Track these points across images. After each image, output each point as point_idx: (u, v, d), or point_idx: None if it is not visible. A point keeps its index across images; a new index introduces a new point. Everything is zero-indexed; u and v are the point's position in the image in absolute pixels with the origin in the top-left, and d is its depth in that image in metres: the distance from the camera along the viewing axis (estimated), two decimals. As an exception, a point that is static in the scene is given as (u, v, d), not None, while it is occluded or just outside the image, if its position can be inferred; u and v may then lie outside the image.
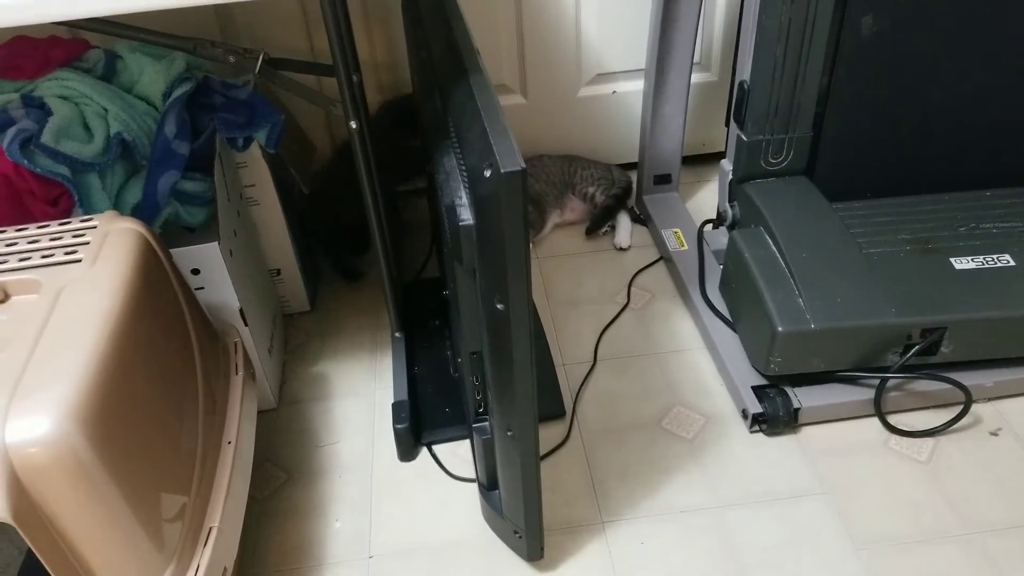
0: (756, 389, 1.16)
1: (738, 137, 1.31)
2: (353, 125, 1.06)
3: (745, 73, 1.25)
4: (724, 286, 1.33)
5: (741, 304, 1.25)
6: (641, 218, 1.61)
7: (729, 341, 1.26)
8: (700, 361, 1.28)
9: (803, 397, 1.15)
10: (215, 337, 1.03)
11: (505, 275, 0.72)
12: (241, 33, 1.46)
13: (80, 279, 0.80)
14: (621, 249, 1.52)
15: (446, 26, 0.93)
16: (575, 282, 1.47)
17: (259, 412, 1.23)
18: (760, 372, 1.17)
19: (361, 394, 1.28)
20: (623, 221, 1.56)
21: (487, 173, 0.68)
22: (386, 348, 1.35)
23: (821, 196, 1.28)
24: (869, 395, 1.14)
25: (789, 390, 1.16)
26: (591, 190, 1.58)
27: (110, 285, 0.80)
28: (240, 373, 1.01)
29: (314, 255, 1.51)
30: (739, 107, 1.29)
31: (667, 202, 1.60)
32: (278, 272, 1.38)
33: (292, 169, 1.32)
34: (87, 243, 0.85)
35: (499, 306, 0.75)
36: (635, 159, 1.65)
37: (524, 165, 0.67)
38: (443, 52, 0.93)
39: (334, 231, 1.47)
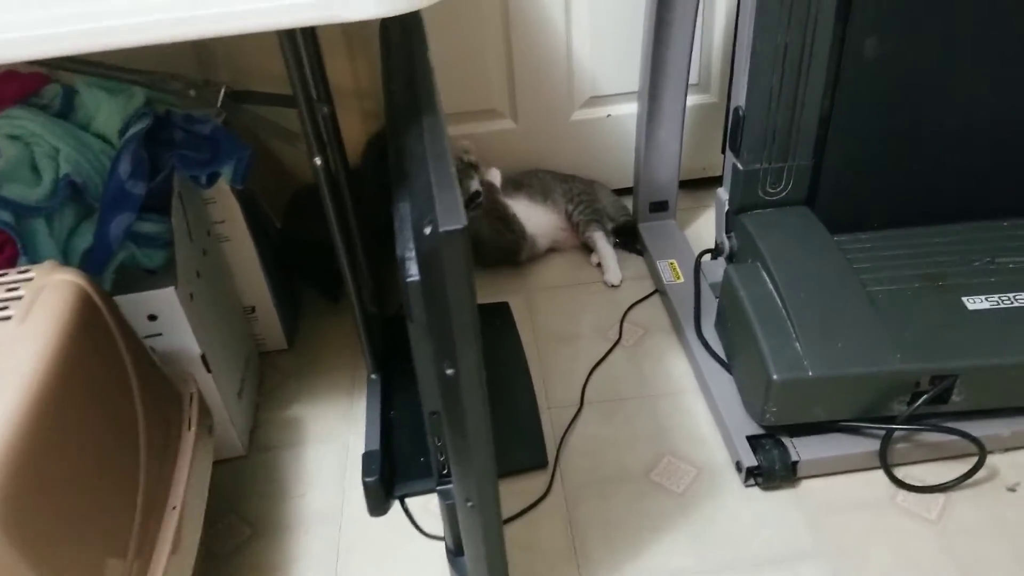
0: (751, 439, 1.08)
1: (734, 166, 1.23)
2: (317, 162, 1.00)
3: (740, 99, 1.18)
4: (720, 324, 1.26)
5: (736, 346, 1.18)
6: (637, 248, 1.53)
7: (724, 384, 1.19)
8: (694, 405, 1.21)
9: (802, 448, 1.07)
10: (169, 389, 0.97)
11: (452, 338, 0.66)
12: (221, 64, 1.41)
13: (7, 340, 0.75)
14: (612, 287, 1.44)
15: (409, 58, 0.87)
16: (566, 316, 1.40)
17: (226, 460, 1.18)
18: (756, 421, 1.09)
19: (335, 440, 1.21)
20: (607, 254, 1.48)
21: (427, 230, 0.62)
22: (364, 389, 1.28)
23: (822, 228, 1.21)
24: (874, 446, 1.06)
25: (787, 440, 1.08)
26: (570, 209, 1.51)
27: (37, 347, 0.74)
28: (193, 428, 0.95)
29: (293, 290, 1.45)
30: (734, 134, 1.22)
31: (664, 231, 1.53)
32: (252, 309, 1.32)
33: (264, 205, 1.26)
34: (20, 298, 0.80)
35: (448, 371, 0.68)
36: (629, 184, 1.59)
37: (466, 222, 0.60)
38: (403, 86, 0.87)
39: (311, 259, 1.42)
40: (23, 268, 0.84)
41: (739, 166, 1.22)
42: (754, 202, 1.25)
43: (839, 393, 1.03)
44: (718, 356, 1.23)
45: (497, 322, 1.38)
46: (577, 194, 1.51)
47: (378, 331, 1.35)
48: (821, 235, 1.20)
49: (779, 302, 1.10)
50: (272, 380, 1.33)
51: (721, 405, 1.16)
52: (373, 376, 1.23)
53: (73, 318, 0.79)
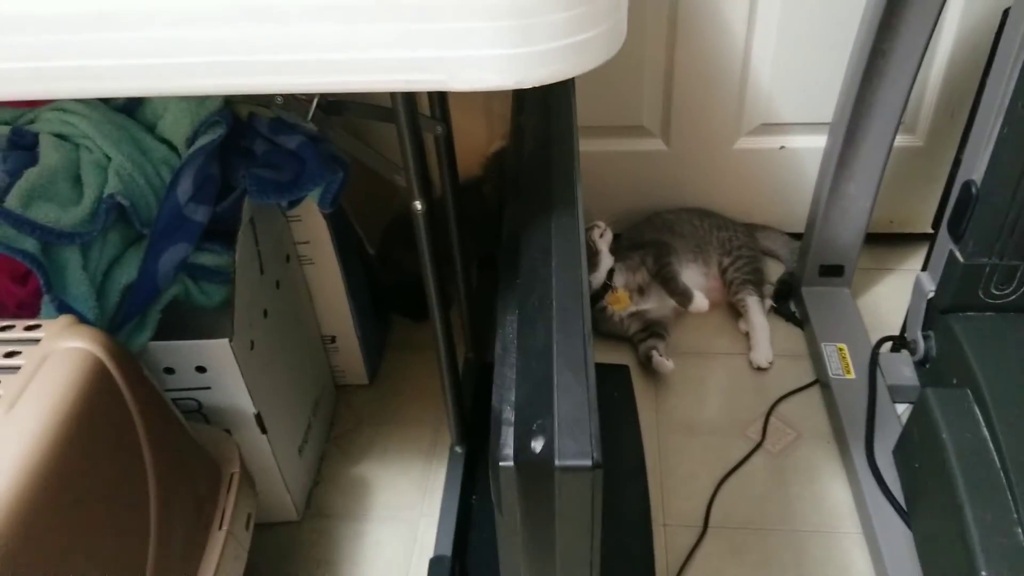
0: (932, 637, 0.82)
1: (951, 253, 0.94)
2: (418, 206, 0.78)
3: (975, 172, 0.89)
4: (902, 454, 0.98)
5: (924, 499, 0.90)
6: (796, 317, 1.25)
7: (898, 536, 0.92)
8: (854, 555, 0.95)
9: (1003, 664, 0.79)
10: (206, 466, 0.80)
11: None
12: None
13: (-12, 431, 0.58)
14: (759, 369, 1.18)
15: (544, 109, 0.64)
16: (697, 398, 1.15)
17: (276, 524, 1.01)
18: (942, 615, 0.83)
19: (403, 519, 1.02)
20: (759, 327, 1.20)
21: (535, 445, 0.39)
22: (445, 456, 1.08)
23: (1066, 355, 0.91)
24: None
25: (982, 647, 0.81)
26: (725, 262, 1.25)
27: (24, 447, 0.58)
28: (224, 528, 0.77)
29: (382, 320, 1.25)
30: (959, 215, 0.93)
31: (834, 301, 1.24)
32: (333, 339, 1.14)
33: (357, 226, 1.07)
34: (17, 369, 0.63)
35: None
36: (800, 230, 1.30)
37: (599, 459, 0.37)
38: (534, 145, 0.64)
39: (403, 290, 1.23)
40: (32, 323, 0.67)
41: (959, 256, 0.93)
42: (970, 303, 0.96)
43: (1075, 611, 0.75)
44: (893, 497, 0.95)
45: (614, 392, 1.15)
46: (737, 247, 1.25)
47: (472, 381, 1.14)
48: (1063, 365, 0.90)
49: (998, 461, 0.82)
50: (345, 422, 1.15)
51: (891, 567, 0.89)
52: (457, 448, 1.03)
53: (75, 405, 0.62)
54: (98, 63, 0.51)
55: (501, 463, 0.47)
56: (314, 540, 1.00)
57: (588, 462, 0.36)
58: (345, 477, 1.08)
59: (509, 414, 0.49)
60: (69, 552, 0.59)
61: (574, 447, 0.37)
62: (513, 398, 0.50)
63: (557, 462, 0.37)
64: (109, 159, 0.80)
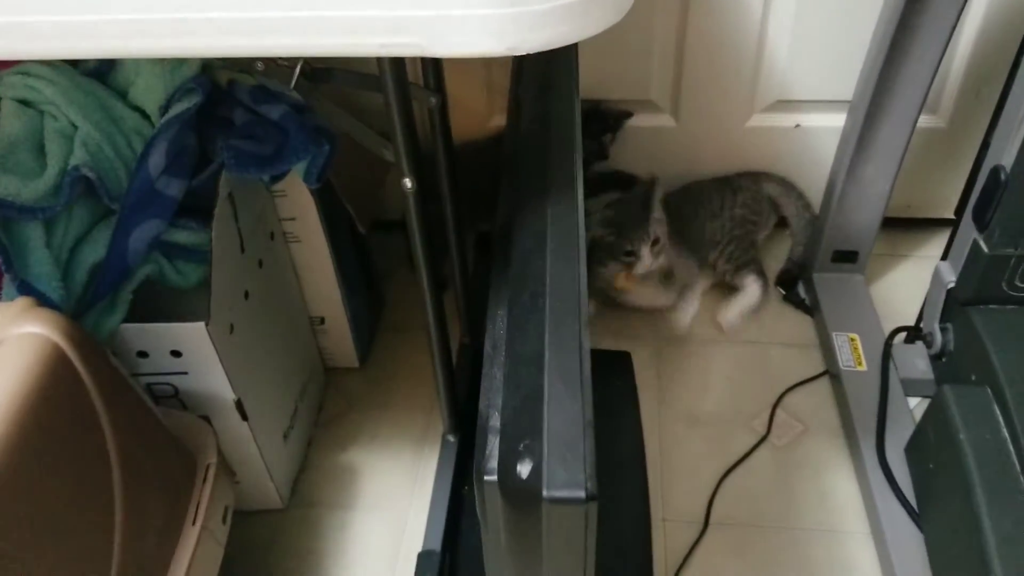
0: (944, 649, 0.78)
1: (975, 243, 0.89)
2: (407, 184, 0.73)
3: (1005, 157, 0.84)
4: (915, 453, 0.93)
5: (938, 500, 0.86)
6: (806, 304, 1.20)
7: (909, 539, 0.88)
8: (860, 556, 0.90)
9: None
10: (180, 459, 0.75)
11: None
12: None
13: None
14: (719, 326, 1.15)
15: (544, 81, 0.58)
16: (700, 387, 1.10)
17: (260, 512, 0.97)
18: (955, 626, 0.78)
19: (392, 509, 0.98)
20: (750, 294, 1.17)
21: (522, 469, 0.34)
22: (437, 444, 1.04)
23: (1094, 353, 0.86)
24: None
25: (996, 660, 0.77)
26: (713, 255, 1.20)
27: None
28: (198, 523, 0.73)
29: (374, 299, 1.20)
30: (985, 202, 0.87)
31: (847, 288, 1.18)
32: (321, 321, 1.09)
33: (347, 203, 1.01)
34: (-34, 355, 0.58)
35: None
36: (814, 212, 1.25)
37: (593, 490, 0.32)
38: (531, 121, 0.58)
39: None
40: (-13, 306, 0.62)
41: (983, 246, 0.88)
42: (992, 295, 0.91)
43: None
44: (904, 496, 0.91)
45: (615, 381, 1.10)
46: (729, 229, 1.19)
47: (467, 368, 1.10)
48: (1090, 363, 0.85)
49: (1018, 464, 0.77)
50: (334, 407, 1.10)
51: (901, 572, 0.85)
52: (449, 437, 0.98)
53: (30, 395, 0.58)
54: (51, 19, 0.46)
55: (486, 477, 0.42)
56: (299, 529, 0.96)
57: (581, 494, 0.31)
58: (333, 464, 1.03)
59: (496, 421, 0.44)
60: (24, 544, 0.55)
61: (565, 476, 0.32)
62: (500, 405, 0.45)
63: (545, 492, 0.32)
64: (76, 128, 0.74)
